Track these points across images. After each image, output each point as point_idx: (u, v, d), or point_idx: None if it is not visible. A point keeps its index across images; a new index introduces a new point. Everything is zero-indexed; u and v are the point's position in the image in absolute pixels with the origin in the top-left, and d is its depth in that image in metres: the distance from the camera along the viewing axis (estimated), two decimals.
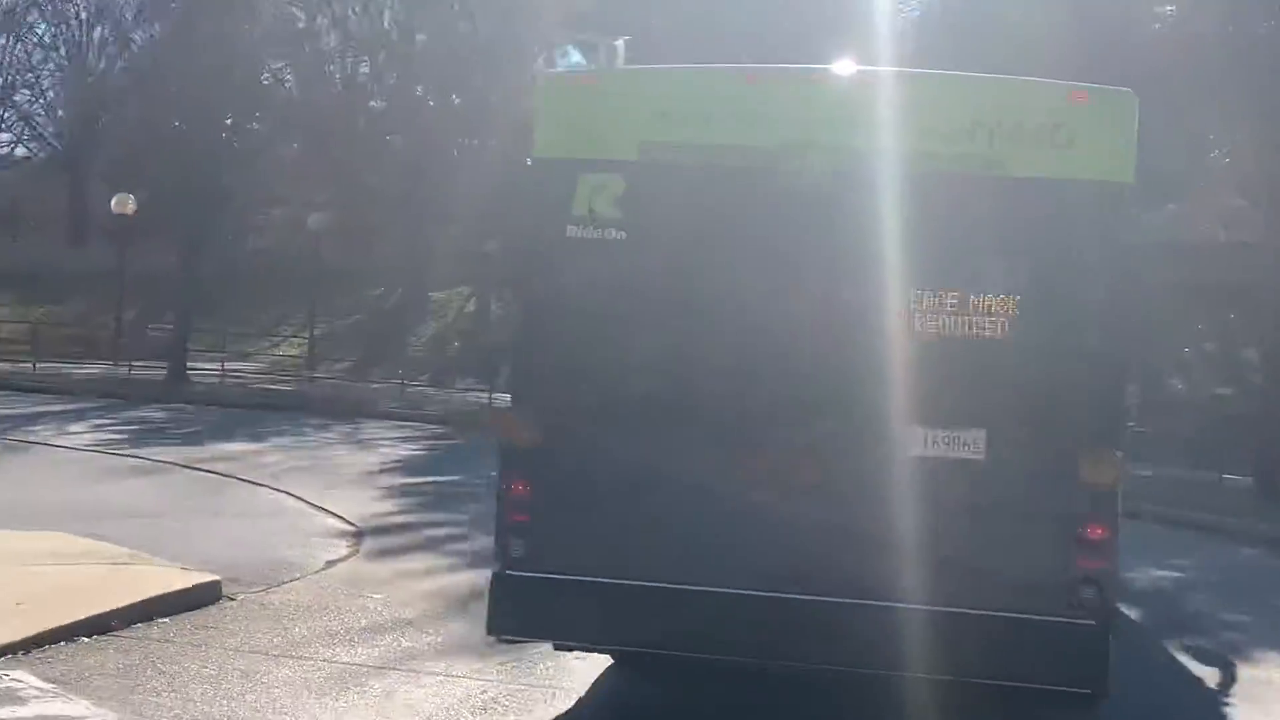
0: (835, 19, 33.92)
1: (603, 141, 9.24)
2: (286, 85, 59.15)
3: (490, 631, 9.46)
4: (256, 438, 29.36)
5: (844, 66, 10.09)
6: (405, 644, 11.66)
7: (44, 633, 10.64)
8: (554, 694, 10.36)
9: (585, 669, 10.91)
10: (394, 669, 10.75)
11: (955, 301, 8.83)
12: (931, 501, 8.77)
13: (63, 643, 10.65)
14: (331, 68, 57.96)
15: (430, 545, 17.37)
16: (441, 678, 10.58)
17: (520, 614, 9.29)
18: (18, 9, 70.19)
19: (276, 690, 9.91)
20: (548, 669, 10.90)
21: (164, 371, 44.91)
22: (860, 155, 8.97)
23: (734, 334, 9.04)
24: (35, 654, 10.30)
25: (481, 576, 14.63)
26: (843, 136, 9.00)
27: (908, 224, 8.85)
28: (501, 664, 10.99)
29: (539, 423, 9.11)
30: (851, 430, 8.88)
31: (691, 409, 9.01)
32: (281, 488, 21.45)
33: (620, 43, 9.46)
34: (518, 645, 10.49)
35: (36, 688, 9.51)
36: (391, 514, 19.89)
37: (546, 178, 9.29)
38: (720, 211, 9.11)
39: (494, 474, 9.45)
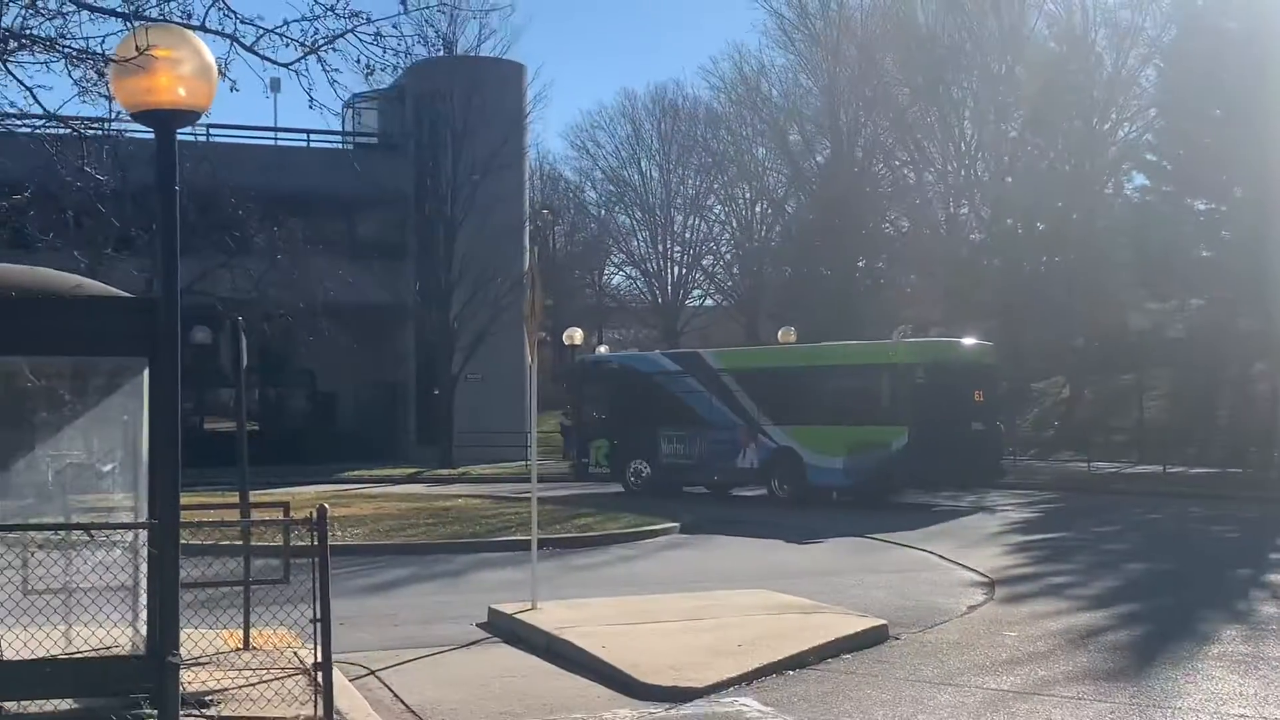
0: None
1: None
2: (901, 230, 59.56)
3: None
4: (900, 509, 29.37)
5: None
6: (1041, 673, 11.35)
7: (760, 667, 11.07)
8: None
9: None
10: (1034, 694, 10.49)
11: None
12: None
13: (774, 675, 11.04)
14: (937, 212, 57.96)
15: (1052, 591, 16.83)
16: (1075, 700, 10.24)
17: None
18: (699, 197, 74.21)
19: (942, 712, 9.89)
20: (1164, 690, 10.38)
21: None
22: None
23: None
24: (755, 683, 10.73)
25: (1099, 616, 14.14)
26: None
27: None
28: (1131, 692, 10.54)
29: None
30: None
31: None
32: (924, 548, 21.37)
33: None
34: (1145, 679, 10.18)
35: (759, 710, 9.90)
36: (1017, 566, 19.39)
37: None
38: None
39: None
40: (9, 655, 8.78)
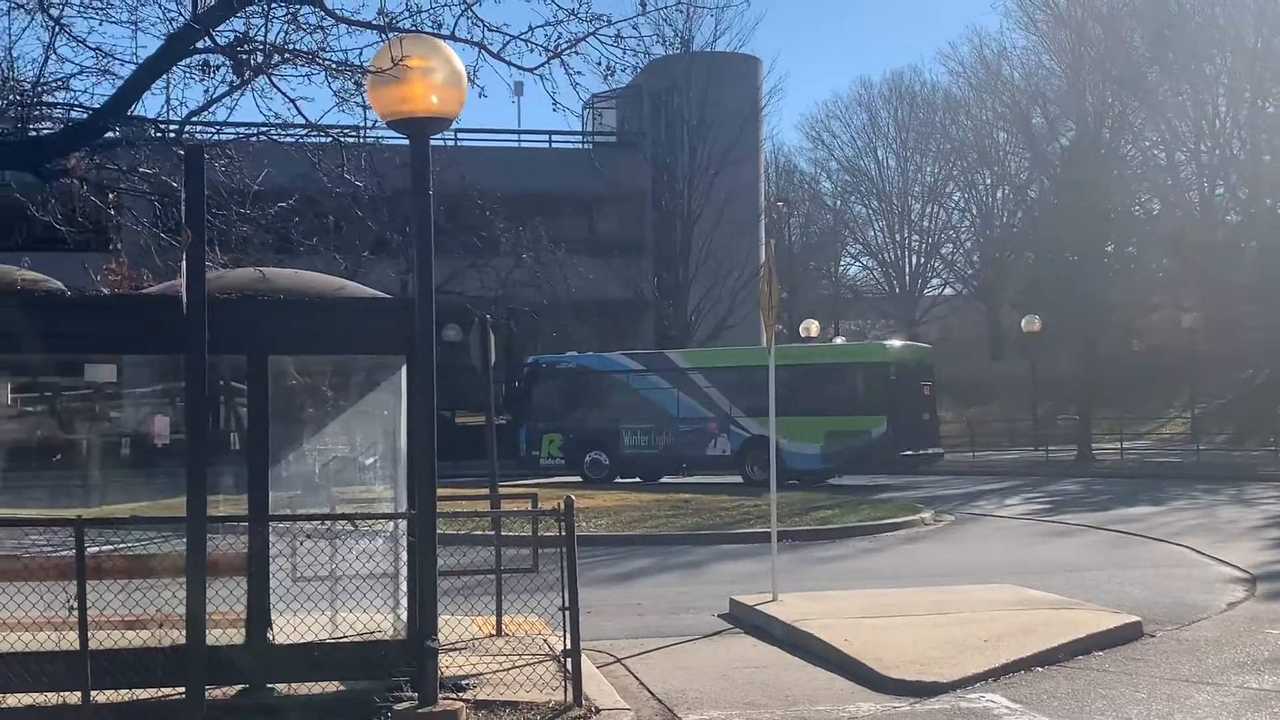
0: None
1: None
2: (1153, 212, 57.34)
3: None
4: (1154, 502, 28.36)
5: None
6: None
7: (1007, 663, 10.85)
8: None
9: None
10: None
11: None
12: None
13: (1021, 671, 10.80)
14: (1190, 193, 55.57)
15: None
16: None
17: None
18: (937, 184, 72.94)
19: (1199, 712, 9.51)
20: None
21: (1073, 452, 44.47)
22: None
23: None
24: (1002, 680, 10.52)
25: None
26: None
27: None
28: None
29: None
30: None
31: None
32: (1179, 542, 20.55)
33: None
34: None
35: (1006, 707, 9.71)
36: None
37: None
38: None
39: None
40: (280, 639, 9.26)
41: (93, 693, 8.52)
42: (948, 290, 76.43)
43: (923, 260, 74.32)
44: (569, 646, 9.37)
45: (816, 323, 50.01)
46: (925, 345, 36.60)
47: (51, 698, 8.69)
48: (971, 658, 10.96)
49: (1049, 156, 53.78)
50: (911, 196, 73.66)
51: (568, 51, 8.96)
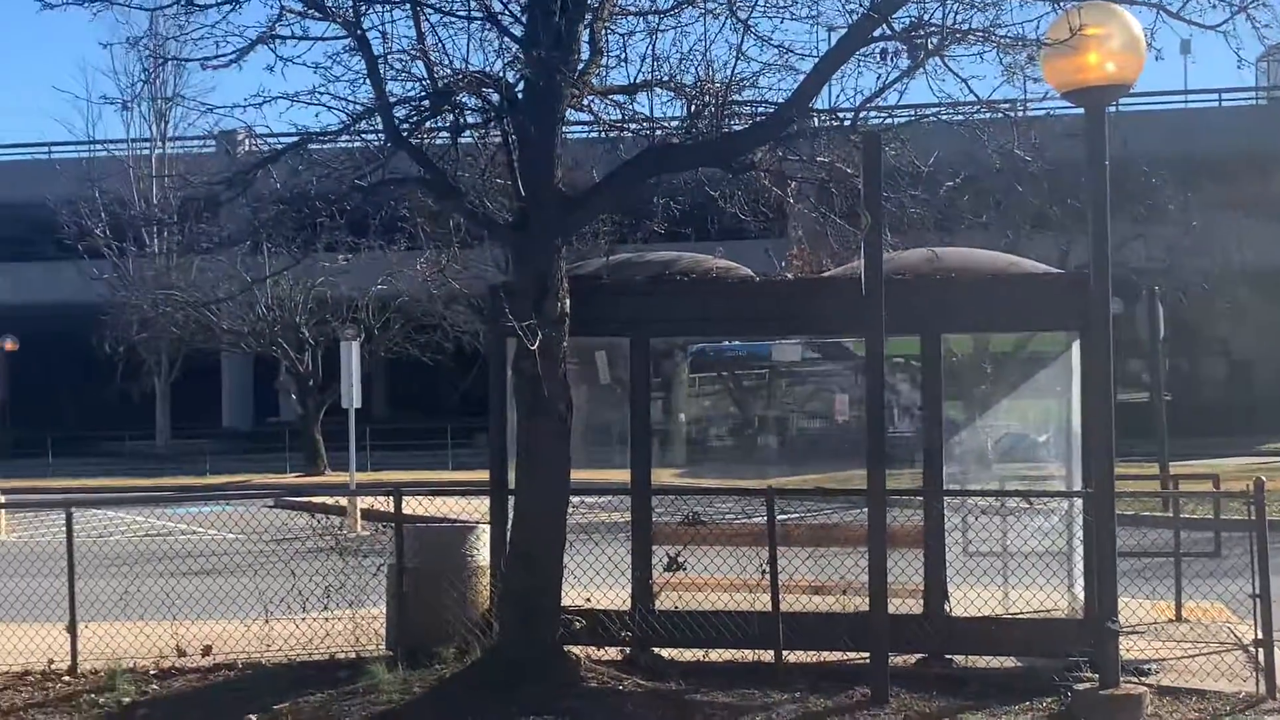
0: None
1: None
2: None
3: None
4: None
5: None
6: None
7: None
8: None
9: None
10: None
11: None
12: None
13: None
14: None
15: None
16: None
17: None
18: None
19: None
20: None
21: None
22: None
23: None
24: None
25: None
26: None
27: None
28: None
29: None
30: None
31: None
32: None
33: None
34: None
35: None
36: None
37: None
38: None
39: None
40: (957, 612, 9.43)
41: (783, 653, 9.11)
42: None
43: None
44: (1260, 636, 8.83)
45: None
46: None
47: (747, 655, 9.37)
48: None
49: None
50: None
51: (1254, 5, 8.41)
